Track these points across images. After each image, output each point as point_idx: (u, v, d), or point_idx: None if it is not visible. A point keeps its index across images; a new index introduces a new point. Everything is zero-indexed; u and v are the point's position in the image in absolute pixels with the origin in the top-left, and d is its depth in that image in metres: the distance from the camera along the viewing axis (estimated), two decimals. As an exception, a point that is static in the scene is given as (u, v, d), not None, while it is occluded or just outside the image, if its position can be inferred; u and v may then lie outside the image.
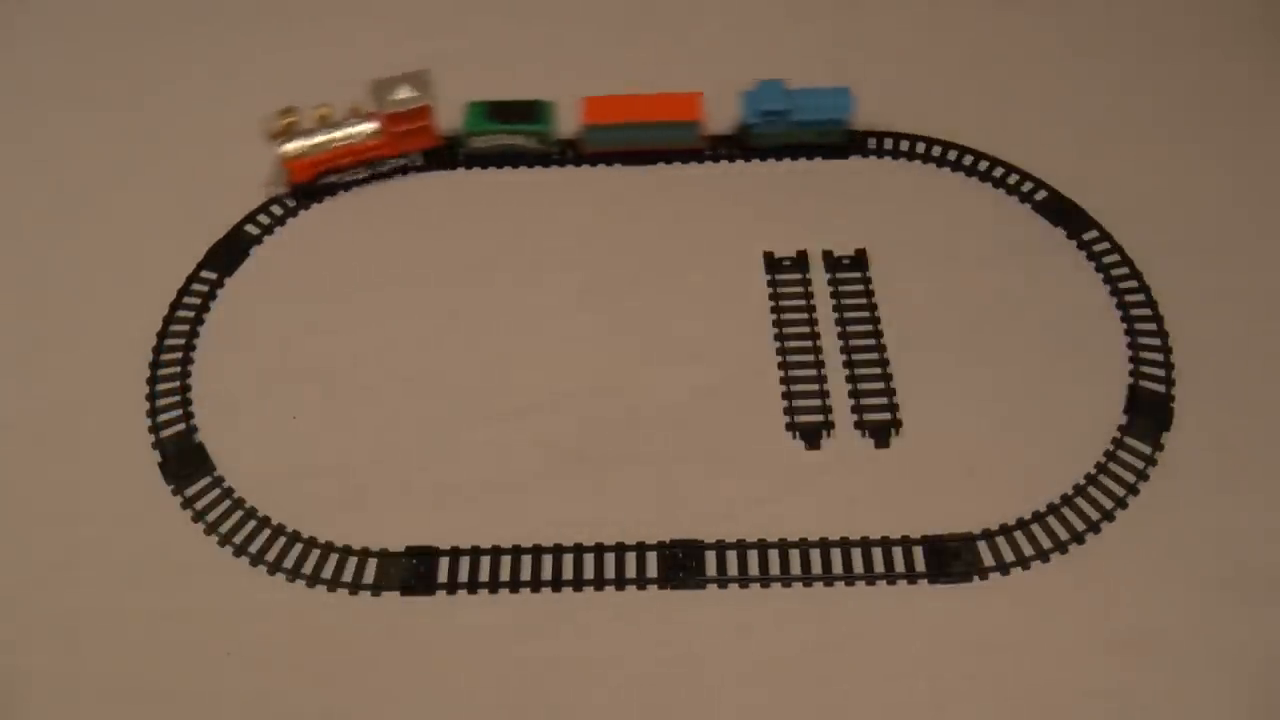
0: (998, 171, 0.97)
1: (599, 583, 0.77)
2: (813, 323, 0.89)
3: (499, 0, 1.13)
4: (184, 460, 0.83)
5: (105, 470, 0.82)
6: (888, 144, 1.00)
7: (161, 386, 0.87)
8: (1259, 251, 0.92)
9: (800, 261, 0.93)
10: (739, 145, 0.99)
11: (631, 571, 0.77)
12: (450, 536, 0.79)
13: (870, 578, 0.77)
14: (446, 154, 0.99)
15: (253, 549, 0.79)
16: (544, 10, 1.12)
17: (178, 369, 0.88)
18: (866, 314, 0.89)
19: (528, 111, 0.97)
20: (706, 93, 0.97)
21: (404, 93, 0.93)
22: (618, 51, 1.08)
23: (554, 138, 0.98)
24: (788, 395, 0.85)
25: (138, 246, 0.95)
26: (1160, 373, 0.85)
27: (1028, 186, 0.96)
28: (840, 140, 0.98)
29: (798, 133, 0.97)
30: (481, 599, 0.77)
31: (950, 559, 0.77)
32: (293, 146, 0.94)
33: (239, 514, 0.80)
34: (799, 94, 0.96)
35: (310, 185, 0.97)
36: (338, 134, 0.95)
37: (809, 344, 0.88)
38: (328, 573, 0.78)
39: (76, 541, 0.79)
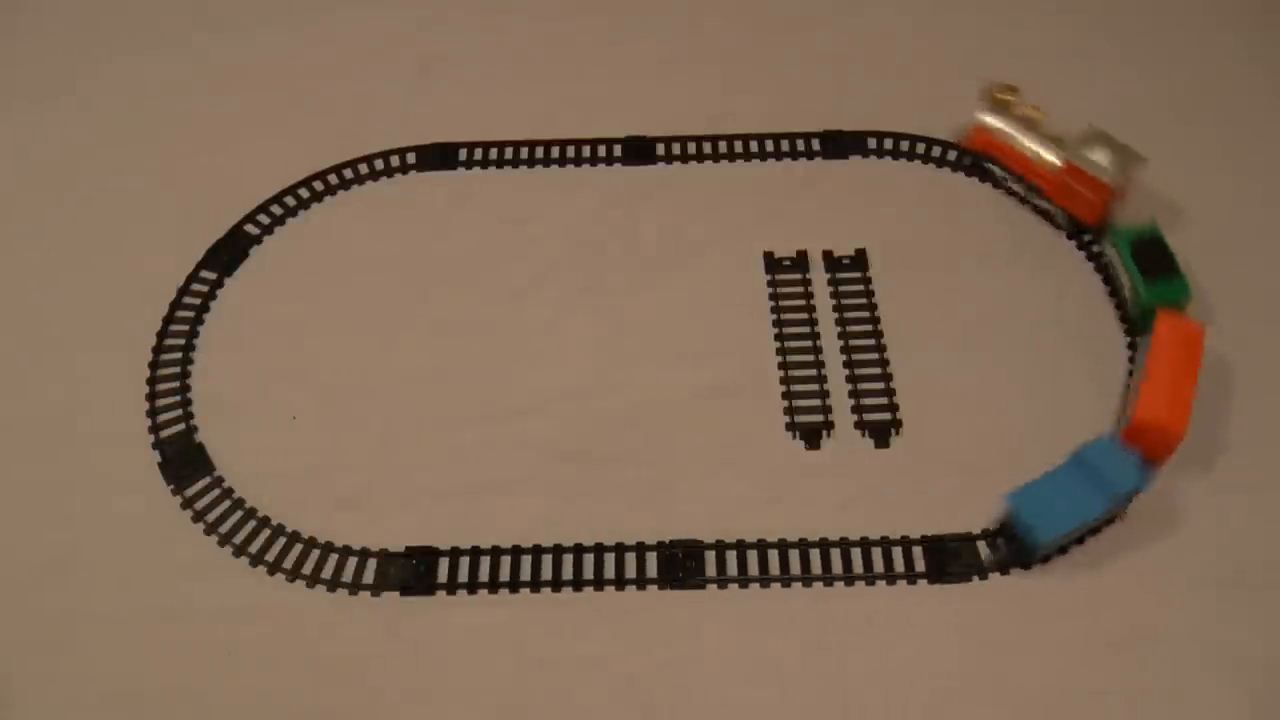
0: (997, 171, 0.97)
1: (599, 583, 0.77)
2: (813, 323, 0.89)
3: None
4: (184, 460, 0.83)
5: (105, 470, 0.82)
6: (888, 144, 1.00)
7: (161, 386, 0.87)
8: (1259, 251, 0.92)
9: (800, 261, 0.93)
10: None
11: (631, 571, 0.77)
12: (450, 536, 0.79)
13: (870, 578, 0.77)
14: (1086, 236, 0.91)
15: (253, 549, 0.79)
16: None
17: (178, 369, 0.88)
18: (866, 314, 0.89)
19: (1167, 268, 0.86)
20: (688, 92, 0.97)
21: (1101, 156, 0.88)
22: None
23: (1153, 306, 0.85)
24: (788, 395, 0.85)
25: (138, 246, 0.95)
26: (1160, 373, 0.85)
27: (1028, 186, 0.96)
28: (1120, 512, 0.79)
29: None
30: (481, 599, 0.77)
31: (950, 559, 0.77)
32: (990, 120, 0.95)
33: (239, 514, 0.80)
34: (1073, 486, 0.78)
35: (976, 156, 0.97)
36: (1027, 141, 0.94)
37: (809, 344, 0.88)
38: (328, 573, 0.78)
39: (76, 541, 0.79)
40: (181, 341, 0.89)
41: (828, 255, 0.93)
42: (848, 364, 0.87)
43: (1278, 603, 0.75)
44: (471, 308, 0.91)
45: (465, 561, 0.78)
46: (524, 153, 1.01)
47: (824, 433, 0.83)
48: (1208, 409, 0.83)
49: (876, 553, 0.78)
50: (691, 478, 0.81)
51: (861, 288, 0.91)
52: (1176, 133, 1.00)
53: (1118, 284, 0.88)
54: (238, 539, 0.79)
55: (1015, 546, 0.77)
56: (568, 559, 0.78)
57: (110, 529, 0.80)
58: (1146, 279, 0.85)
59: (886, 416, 0.84)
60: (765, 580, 0.77)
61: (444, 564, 0.78)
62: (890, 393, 0.85)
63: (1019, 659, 0.73)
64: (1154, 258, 0.86)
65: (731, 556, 0.78)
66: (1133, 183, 0.90)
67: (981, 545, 0.78)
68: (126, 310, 0.90)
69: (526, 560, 0.78)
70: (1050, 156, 0.92)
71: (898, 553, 0.78)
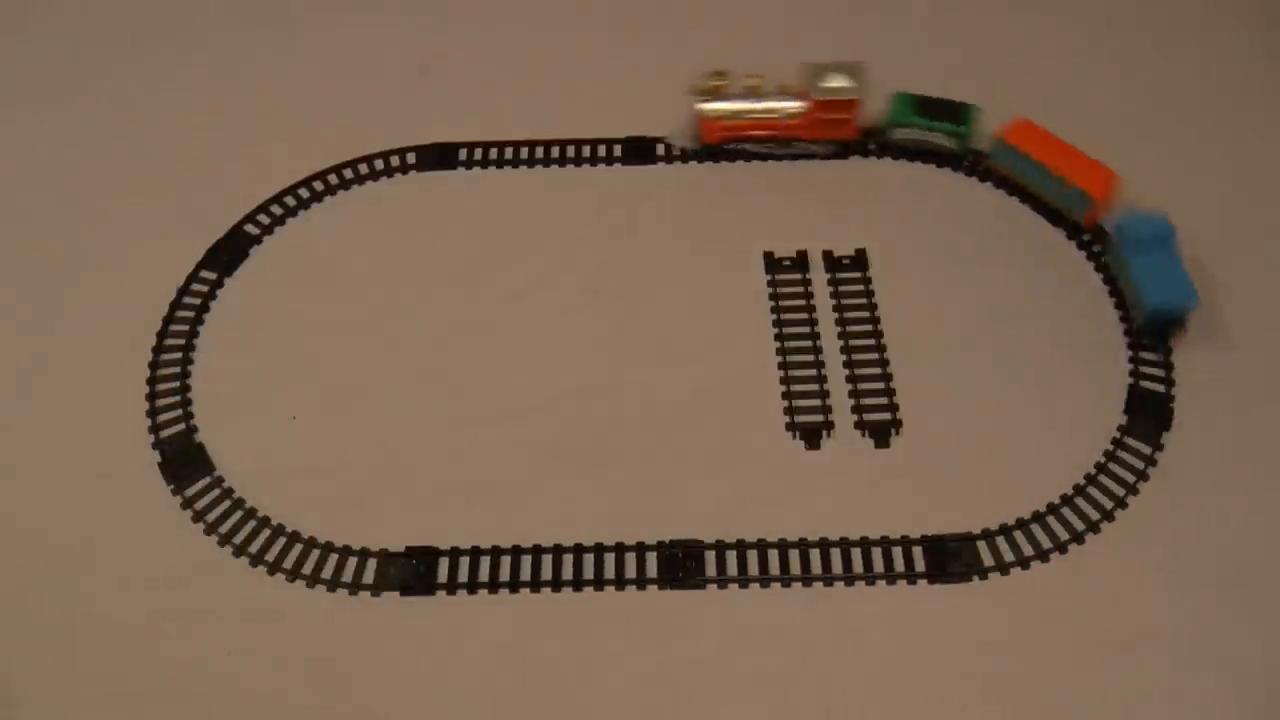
0: (998, 171, 0.97)
1: (599, 583, 0.77)
2: (813, 323, 0.89)
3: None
4: (184, 460, 0.83)
5: (105, 470, 0.82)
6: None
7: (161, 386, 0.87)
8: (1259, 252, 0.92)
9: (800, 261, 0.93)
10: (1099, 245, 0.92)
11: (631, 571, 0.77)
12: (450, 536, 0.79)
13: (870, 578, 0.77)
14: (861, 144, 0.99)
15: (253, 549, 0.79)
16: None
17: (178, 369, 0.88)
18: (866, 314, 0.89)
19: (954, 112, 0.96)
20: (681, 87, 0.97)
21: (837, 81, 0.93)
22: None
23: (970, 144, 0.97)
24: (788, 395, 0.85)
25: (138, 246, 0.95)
26: (1160, 373, 0.85)
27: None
28: (1149, 331, 0.87)
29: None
30: (481, 599, 0.77)
31: (950, 559, 0.77)
32: (712, 107, 0.95)
33: (239, 514, 0.80)
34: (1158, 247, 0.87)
35: (716, 148, 0.98)
36: (760, 106, 0.95)
37: (809, 344, 0.88)
38: (328, 573, 0.78)
39: (76, 541, 0.79)
40: (181, 341, 0.89)
41: (828, 255, 0.93)
42: (848, 364, 0.87)
43: (1278, 603, 0.75)
44: (471, 307, 0.91)
45: (465, 561, 0.78)
46: (524, 153, 1.01)
47: (824, 433, 0.83)
48: (1207, 409, 0.83)
49: (876, 553, 0.78)
50: (691, 478, 0.81)
51: (861, 288, 0.91)
52: (1176, 132, 1.00)
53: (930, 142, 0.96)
54: (238, 539, 0.79)
55: (1164, 330, 0.85)
56: (568, 559, 0.78)
57: (110, 529, 0.80)
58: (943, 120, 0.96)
59: (886, 416, 0.84)
60: (765, 580, 0.77)
61: (444, 564, 0.78)
62: (890, 393, 0.85)
63: (1019, 659, 0.73)
64: (934, 110, 0.97)
65: (731, 556, 0.78)
66: (866, 83, 0.94)
67: (981, 545, 0.78)
68: (126, 310, 0.90)
69: (526, 560, 0.78)
70: (788, 105, 0.95)
71: (898, 553, 0.78)
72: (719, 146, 0.98)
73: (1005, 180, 0.97)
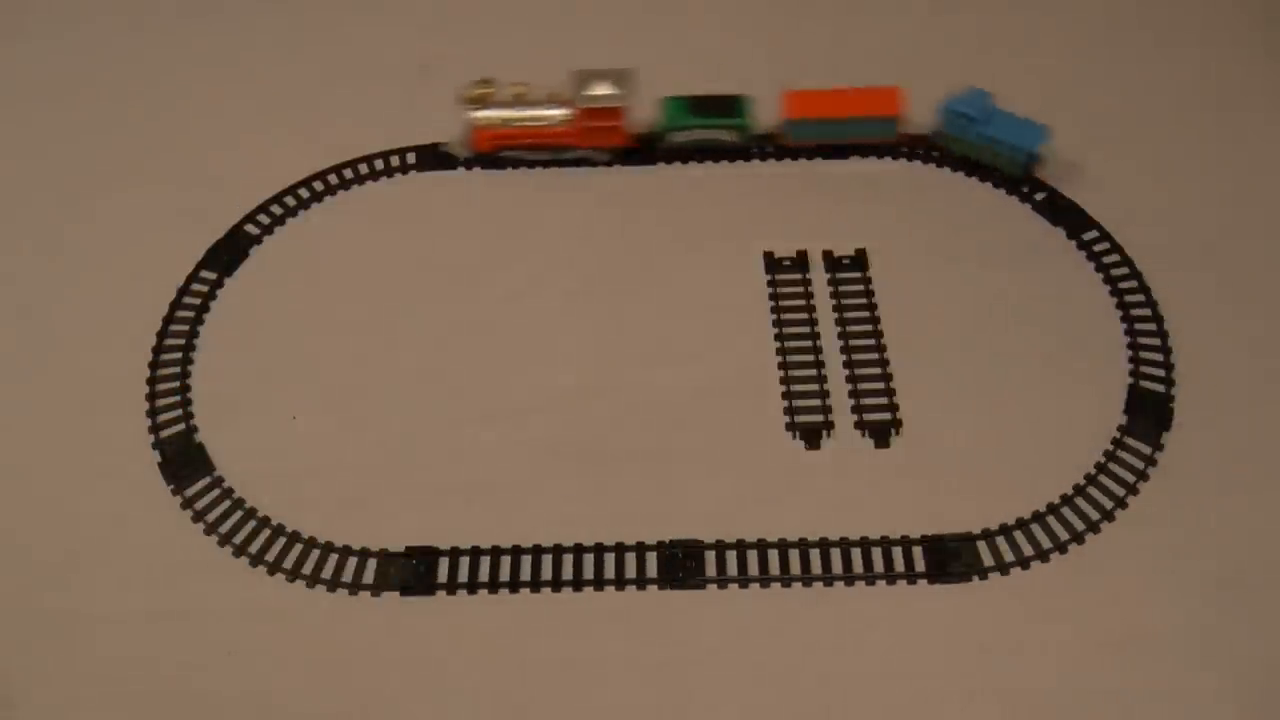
0: (997, 171, 0.97)
1: (599, 583, 0.77)
2: (813, 323, 0.89)
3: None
4: (184, 460, 0.83)
5: (105, 470, 0.82)
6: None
7: (161, 386, 0.87)
8: (1259, 251, 0.92)
9: (800, 261, 0.93)
10: (931, 147, 0.99)
11: (631, 571, 0.77)
12: (450, 536, 0.79)
13: (870, 578, 0.77)
14: (644, 150, 0.99)
15: (253, 549, 0.79)
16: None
17: (178, 369, 0.88)
18: (866, 314, 0.89)
19: (726, 106, 0.97)
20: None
21: (601, 88, 0.93)
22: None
23: (753, 131, 0.98)
24: (788, 395, 0.85)
25: (138, 246, 0.95)
26: (1160, 373, 0.85)
27: (1027, 186, 0.96)
28: (1019, 174, 0.96)
29: (981, 149, 0.96)
30: (481, 599, 0.77)
31: (950, 559, 0.77)
32: (483, 115, 0.95)
33: (239, 514, 0.80)
34: (998, 112, 0.95)
35: (489, 155, 0.98)
36: (528, 114, 0.95)
37: (809, 344, 0.88)
38: (328, 573, 0.78)
39: (76, 541, 0.79)
40: (181, 341, 0.89)
41: (828, 255, 0.93)
42: (848, 364, 0.87)
43: (1278, 603, 0.75)
44: (471, 307, 0.91)
45: (465, 561, 0.78)
46: (524, 153, 1.00)
47: (824, 433, 0.83)
48: (1207, 409, 0.83)
49: (876, 553, 0.78)
50: (691, 478, 0.81)
51: (861, 288, 0.91)
52: (1178, 133, 1.00)
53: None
54: (238, 539, 0.79)
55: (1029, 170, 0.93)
56: (568, 559, 0.78)
57: (110, 529, 0.80)
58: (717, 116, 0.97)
59: (886, 416, 0.84)
60: (765, 580, 0.77)
61: (444, 564, 0.78)
62: (890, 393, 0.85)
63: (1019, 659, 0.73)
64: (706, 108, 0.97)
65: (731, 556, 0.78)
66: (632, 91, 0.94)
67: (982, 545, 0.78)
68: (126, 310, 0.90)
69: (526, 560, 0.78)
70: (554, 113, 0.95)
71: (898, 553, 0.78)
72: (493, 155, 0.98)
73: (1002, 181, 0.96)
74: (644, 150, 0.99)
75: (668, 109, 0.98)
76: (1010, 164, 0.96)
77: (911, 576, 0.77)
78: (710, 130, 0.98)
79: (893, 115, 0.97)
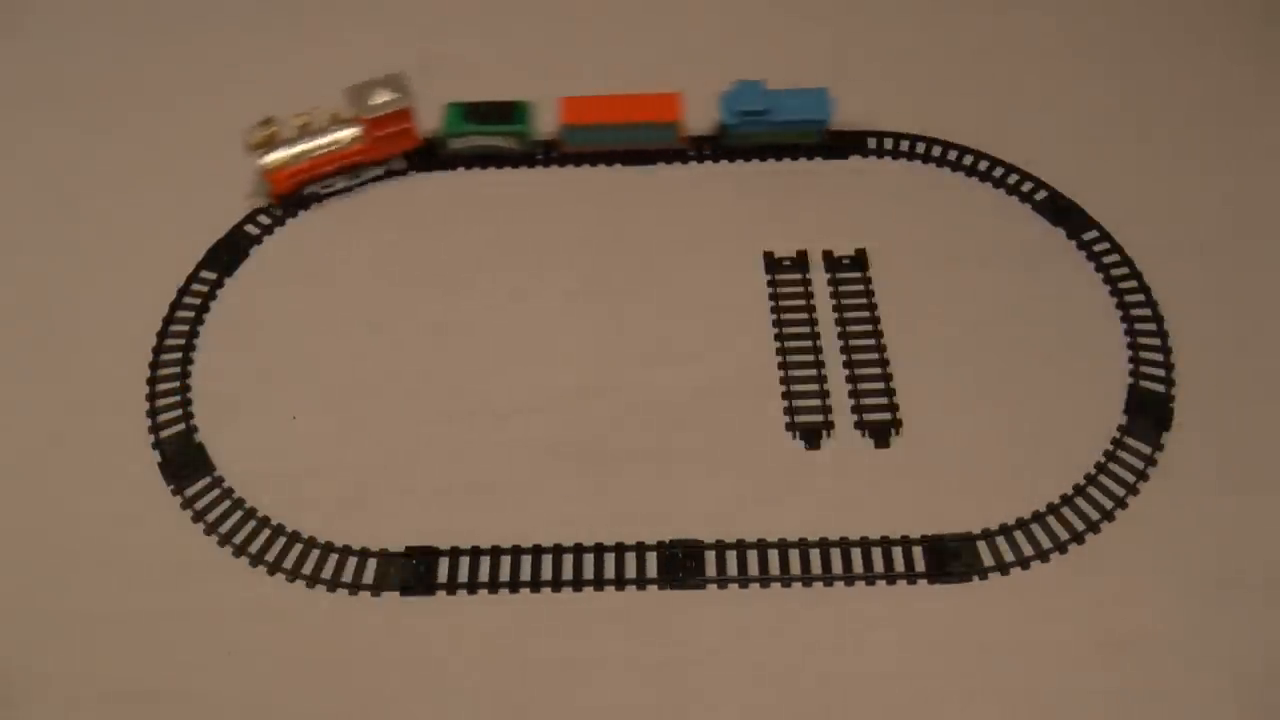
0: (998, 171, 0.97)
1: (599, 583, 0.77)
2: (813, 323, 0.89)
3: (478, 1, 1.13)
4: (184, 460, 0.83)
5: (105, 470, 0.82)
6: (888, 144, 1.00)
7: (161, 386, 0.87)
8: (1259, 251, 0.92)
9: (800, 261, 0.93)
10: (718, 146, 0.99)
11: (631, 571, 0.77)
12: (450, 536, 0.79)
13: (870, 578, 0.77)
14: (429, 155, 0.99)
15: (253, 549, 0.79)
16: (528, 9, 1.12)
17: (178, 369, 0.88)
18: (866, 314, 0.89)
19: (505, 112, 0.98)
20: (699, 92, 0.97)
21: (382, 96, 0.93)
22: (607, 52, 1.08)
23: (533, 138, 0.98)
24: (788, 395, 0.85)
25: (138, 246, 0.95)
26: (1160, 373, 0.85)
27: (1028, 186, 0.96)
28: (819, 141, 0.98)
29: (777, 133, 0.98)
30: (481, 599, 0.77)
31: (950, 559, 0.77)
32: (273, 158, 0.93)
33: (239, 514, 0.80)
34: (778, 95, 0.96)
35: (292, 196, 0.96)
36: (319, 142, 0.94)
37: (809, 344, 0.88)
38: (328, 573, 0.78)
39: (76, 541, 0.79)
40: (181, 341, 0.89)
41: (828, 255, 0.93)
42: (848, 364, 0.87)
43: (1277, 603, 0.75)
44: (471, 307, 0.91)
45: (465, 561, 0.78)
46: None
47: (824, 433, 0.83)
48: (1207, 409, 0.83)
49: (876, 553, 0.78)
50: (691, 478, 0.81)
51: (861, 288, 0.91)
52: (1177, 133, 1.00)
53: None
54: (238, 539, 0.79)
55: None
56: (568, 559, 0.78)
57: (110, 529, 0.80)
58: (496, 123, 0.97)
59: (886, 416, 0.84)
60: (765, 580, 0.77)
61: (444, 564, 0.78)
62: (890, 393, 0.85)
63: (1019, 659, 0.73)
64: (486, 114, 0.97)
65: (731, 556, 0.78)
66: (411, 90, 0.94)
67: (982, 545, 0.78)
68: (126, 310, 0.90)
69: (526, 560, 0.78)
70: (345, 133, 0.94)
71: (898, 553, 0.78)
72: (297, 194, 0.96)
73: (1002, 181, 0.97)
74: (431, 155, 0.99)
75: (448, 115, 0.98)
76: (804, 138, 0.98)
77: (911, 576, 0.77)
78: (489, 137, 0.97)
79: (673, 120, 0.96)
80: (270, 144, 0.93)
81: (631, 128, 0.97)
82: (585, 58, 1.08)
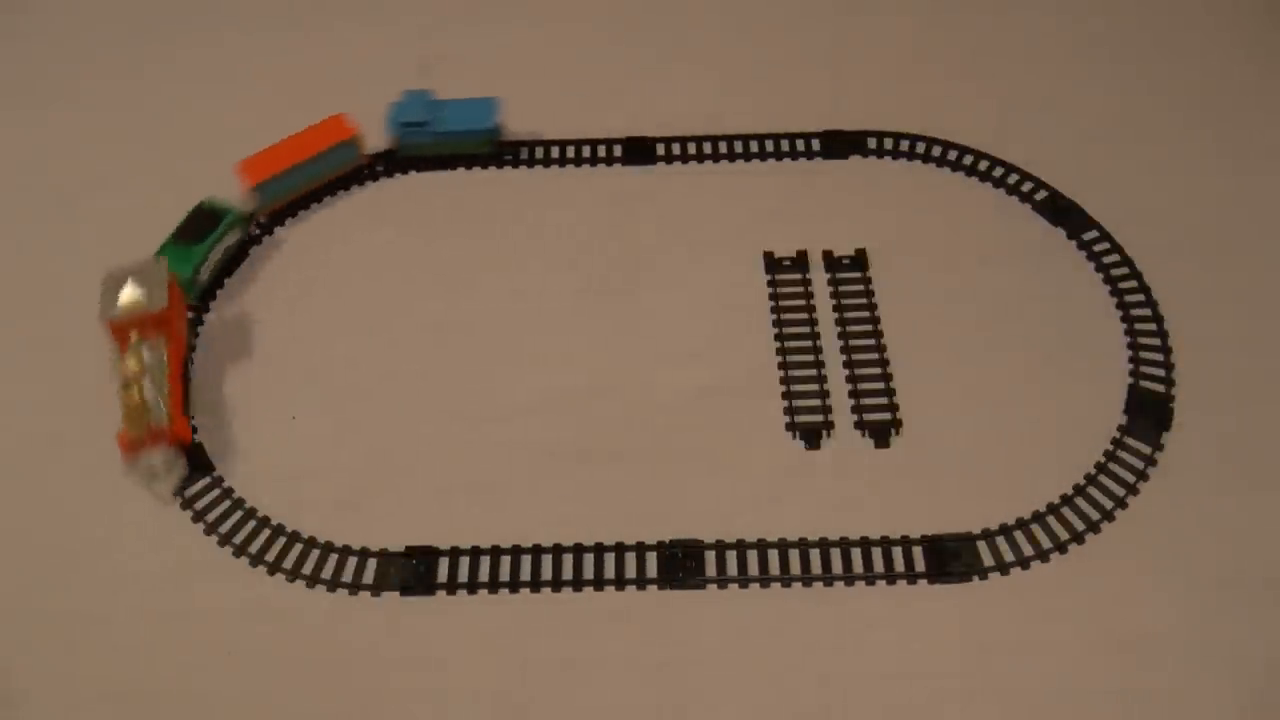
0: (998, 171, 0.97)
1: (599, 583, 0.77)
2: (813, 323, 0.89)
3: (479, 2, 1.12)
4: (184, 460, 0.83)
5: (105, 470, 0.82)
6: (888, 144, 1.00)
7: (161, 386, 0.86)
8: (1259, 251, 0.92)
9: (800, 261, 0.93)
10: (391, 160, 0.99)
11: (631, 571, 0.77)
12: (450, 536, 0.79)
13: (870, 578, 0.77)
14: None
15: (253, 549, 0.79)
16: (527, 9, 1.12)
17: (177, 369, 0.88)
18: (866, 314, 0.89)
19: (211, 219, 0.91)
20: (701, 90, 0.97)
21: (133, 291, 0.81)
22: (607, 51, 1.08)
23: (244, 227, 0.93)
24: (788, 395, 0.85)
25: (138, 246, 0.94)
26: (1160, 373, 0.85)
27: (1028, 186, 0.97)
28: (490, 151, 0.98)
29: (446, 144, 0.98)
30: (481, 599, 0.77)
31: (950, 559, 0.77)
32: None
33: (239, 514, 0.80)
34: (444, 105, 0.97)
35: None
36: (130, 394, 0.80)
37: (809, 344, 0.88)
38: (328, 573, 0.78)
39: (76, 541, 0.79)
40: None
41: (828, 255, 0.93)
42: (848, 364, 0.87)
43: (1278, 603, 0.75)
44: (471, 308, 0.91)
45: (465, 561, 0.78)
46: (524, 153, 1.01)
47: (824, 433, 0.83)
48: (1207, 409, 0.83)
49: (876, 553, 0.78)
50: (691, 478, 0.81)
51: (861, 288, 0.91)
52: (1177, 133, 1.00)
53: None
54: (238, 539, 0.79)
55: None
56: (568, 559, 0.78)
57: (110, 529, 0.80)
58: (176, 240, 0.90)
59: (886, 416, 0.84)
60: (765, 580, 0.77)
61: (444, 564, 0.78)
62: (890, 393, 0.85)
63: (1019, 659, 0.73)
64: (202, 225, 0.91)
65: (731, 556, 0.78)
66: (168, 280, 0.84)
67: (982, 545, 0.78)
68: (126, 310, 0.90)
69: (526, 560, 0.78)
70: (127, 363, 0.81)
71: (898, 553, 0.78)
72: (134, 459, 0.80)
73: (1002, 181, 0.97)
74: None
75: (168, 256, 0.88)
76: (476, 148, 0.98)
77: (911, 576, 0.77)
78: (215, 248, 0.91)
79: (349, 139, 0.96)
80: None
81: (315, 161, 0.95)
82: (585, 57, 1.08)
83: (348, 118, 0.96)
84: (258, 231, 0.96)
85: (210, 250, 0.91)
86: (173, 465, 0.78)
